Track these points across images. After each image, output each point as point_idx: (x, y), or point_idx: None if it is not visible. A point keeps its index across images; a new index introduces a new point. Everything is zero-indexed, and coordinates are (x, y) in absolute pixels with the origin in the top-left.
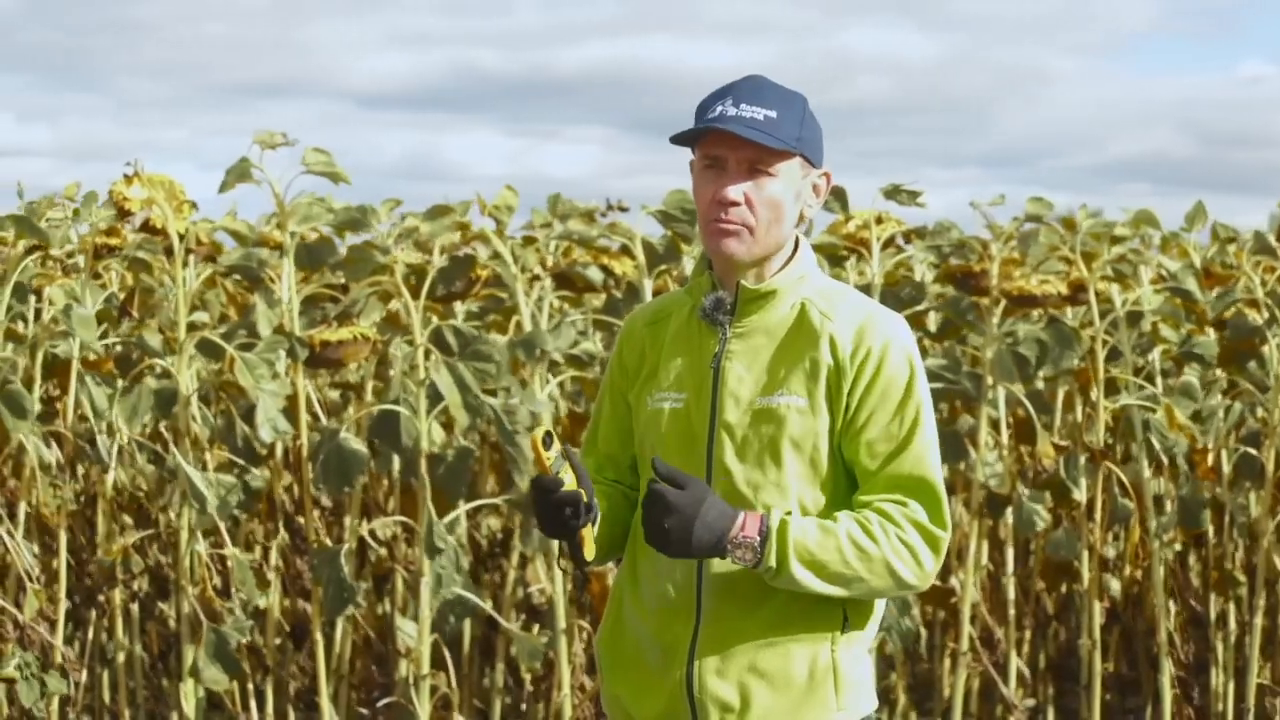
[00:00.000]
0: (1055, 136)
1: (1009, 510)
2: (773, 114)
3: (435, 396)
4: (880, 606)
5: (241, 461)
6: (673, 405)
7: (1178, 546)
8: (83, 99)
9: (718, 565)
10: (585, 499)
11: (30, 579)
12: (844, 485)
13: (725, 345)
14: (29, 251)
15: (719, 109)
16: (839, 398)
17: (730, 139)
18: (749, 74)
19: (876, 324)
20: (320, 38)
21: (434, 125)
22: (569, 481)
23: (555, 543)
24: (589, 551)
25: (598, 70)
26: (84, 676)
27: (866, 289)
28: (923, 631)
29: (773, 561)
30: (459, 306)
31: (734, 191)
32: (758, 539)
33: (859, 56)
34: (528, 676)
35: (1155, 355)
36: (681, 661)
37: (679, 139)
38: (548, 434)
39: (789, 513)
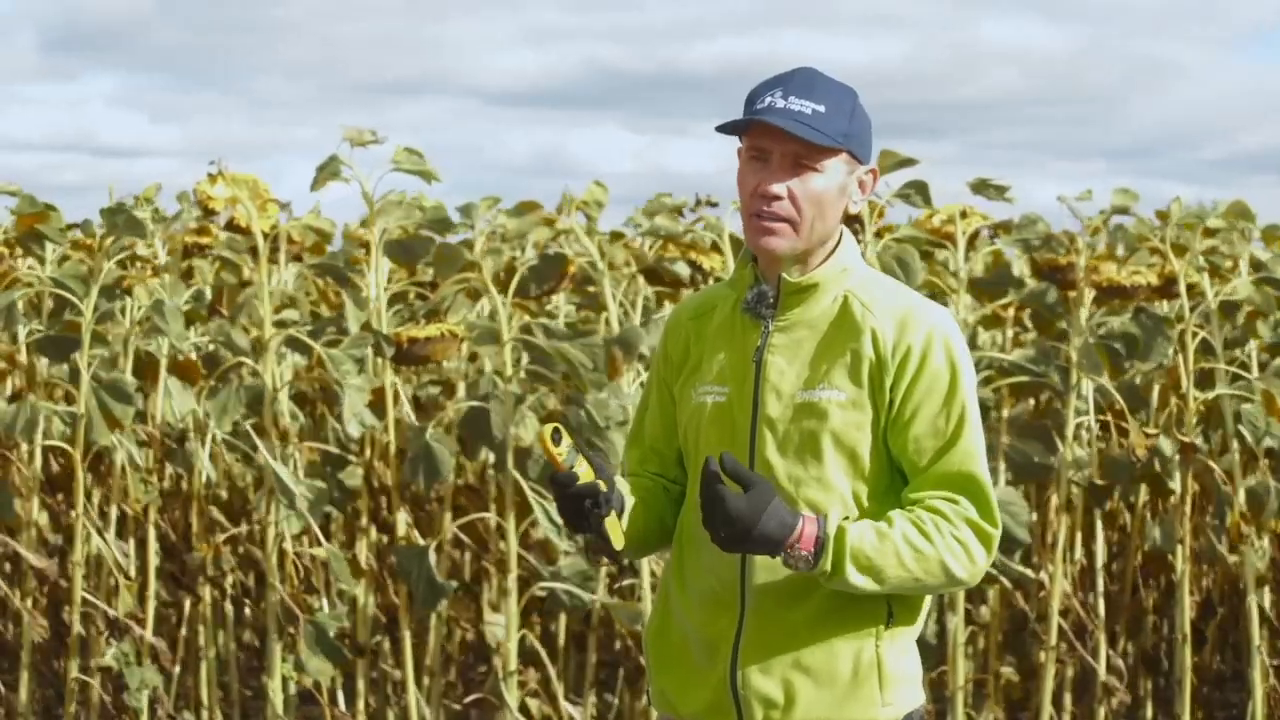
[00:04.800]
0: (1184, 128)
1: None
2: (821, 108)
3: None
4: (926, 602)
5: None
6: (715, 399)
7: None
8: (214, 99)
9: (763, 561)
10: (604, 489)
11: (124, 575)
12: (886, 479)
13: (767, 339)
14: (122, 253)
15: (768, 100)
16: (881, 392)
17: (776, 132)
18: (802, 66)
19: (918, 317)
20: (451, 36)
21: (563, 122)
22: (584, 474)
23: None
24: (616, 541)
25: (728, 66)
26: (176, 672)
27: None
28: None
29: (828, 567)
30: (562, 306)
31: (777, 186)
32: (813, 552)
33: (989, 49)
34: (620, 673)
35: (1252, 347)
36: (726, 657)
37: (725, 128)
38: (555, 430)
39: (846, 518)
